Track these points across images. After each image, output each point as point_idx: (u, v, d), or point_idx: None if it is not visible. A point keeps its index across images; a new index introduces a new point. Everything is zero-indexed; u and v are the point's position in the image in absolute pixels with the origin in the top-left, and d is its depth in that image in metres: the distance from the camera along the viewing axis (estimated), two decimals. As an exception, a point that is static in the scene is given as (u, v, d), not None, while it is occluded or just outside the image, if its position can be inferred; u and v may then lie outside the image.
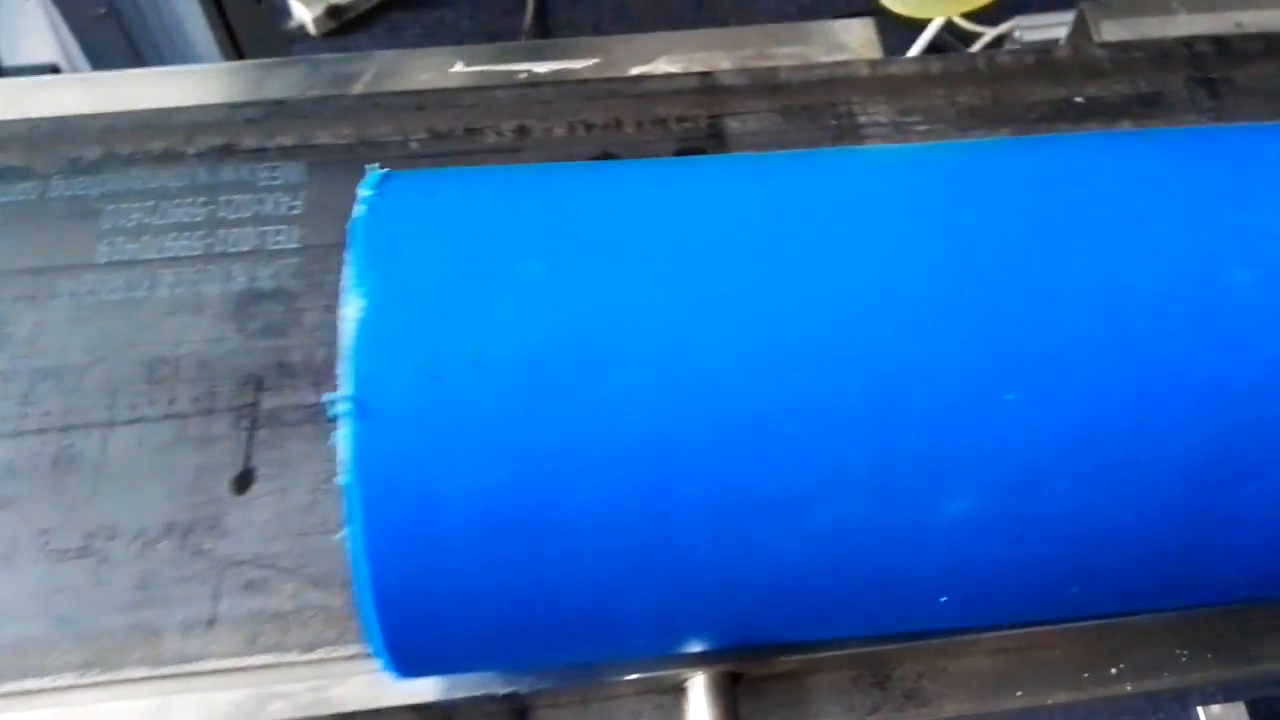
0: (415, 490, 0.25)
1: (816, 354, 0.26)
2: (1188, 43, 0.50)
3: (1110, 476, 0.28)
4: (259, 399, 0.40)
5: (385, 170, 0.29)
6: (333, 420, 0.26)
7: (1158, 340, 0.28)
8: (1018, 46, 1.14)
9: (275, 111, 0.45)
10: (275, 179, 0.44)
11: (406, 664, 0.29)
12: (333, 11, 1.38)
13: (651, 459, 0.26)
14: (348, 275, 0.27)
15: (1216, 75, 0.49)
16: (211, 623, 0.37)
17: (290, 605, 0.38)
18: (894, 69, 0.48)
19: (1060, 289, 0.27)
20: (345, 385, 0.26)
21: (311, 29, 1.37)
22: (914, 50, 1.21)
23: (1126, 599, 0.32)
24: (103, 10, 0.82)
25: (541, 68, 0.49)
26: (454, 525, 0.26)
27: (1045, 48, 0.50)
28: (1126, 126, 0.47)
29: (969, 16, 1.19)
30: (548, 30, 1.40)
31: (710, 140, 0.46)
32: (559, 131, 0.46)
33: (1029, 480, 0.27)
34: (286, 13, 1.38)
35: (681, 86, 0.47)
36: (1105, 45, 0.50)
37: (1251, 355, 0.28)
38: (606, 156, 0.45)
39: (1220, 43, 0.50)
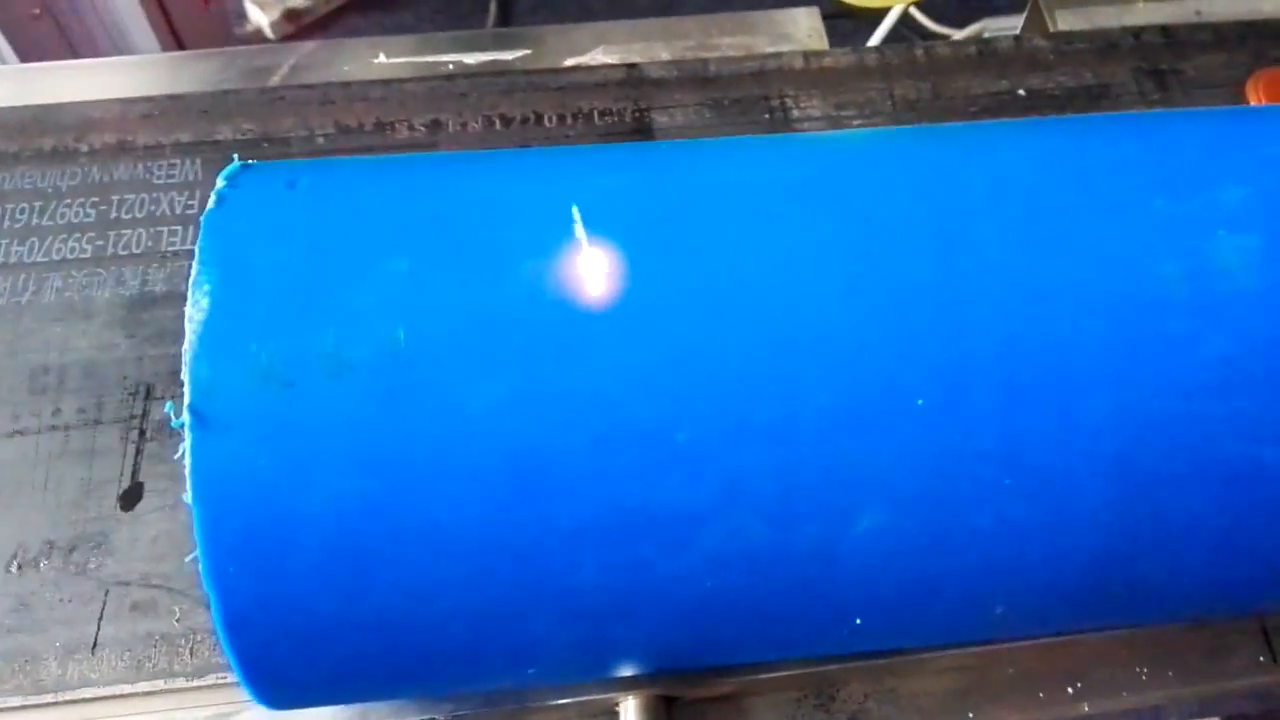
0: (264, 508, 0.23)
1: (702, 360, 0.24)
2: (1135, 33, 0.48)
3: (1031, 487, 0.26)
4: (149, 409, 0.38)
5: (244, 161, 0.27)
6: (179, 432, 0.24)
7: (1079, 338, 0.25)
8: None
9: (172, 106, 0.43)
10: (172, 177, 0.42)
11: (272, 694, 0.26)
12: (290, 15, 1.36)
13: (525, 473, 0.23)
14: (193, 273, 0.24)
15: (1164, 66, 0.48)
16: (95, 647, 0.35)
17: (179, 628, 0.35)
18: (829, 61, 0.46)
19: (972, 285, 0.25)
20: (187, 394, 0.23)
21: (268, 33, 1.35)
22: (871, 44, 1.20)
23: (1059, 618, 0.30)
24: (37, 11, 0.79)
25: (471, 59, 0.47)
26: (308, 545, 0.23)
27: (988, 39, 0.48)
28: (1070, 119, 0.45)
29: (935, 17, 1.17)
30: (509, 21, 1.38)
31: (635, 135, 0.44)
32: (475, 126, 0.43)
33: (944, 492, 0.25)
34: (242, 15, 1.35)
35: (606, 78, 0.45)
36: (1050, 36, 0.48)
37: (1182, 353, 0.26)
38: (525, 152, 0.43)
39: (1168, 33, 0.48)
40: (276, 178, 0.26)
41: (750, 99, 0.45)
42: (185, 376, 0.24)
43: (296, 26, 1.38)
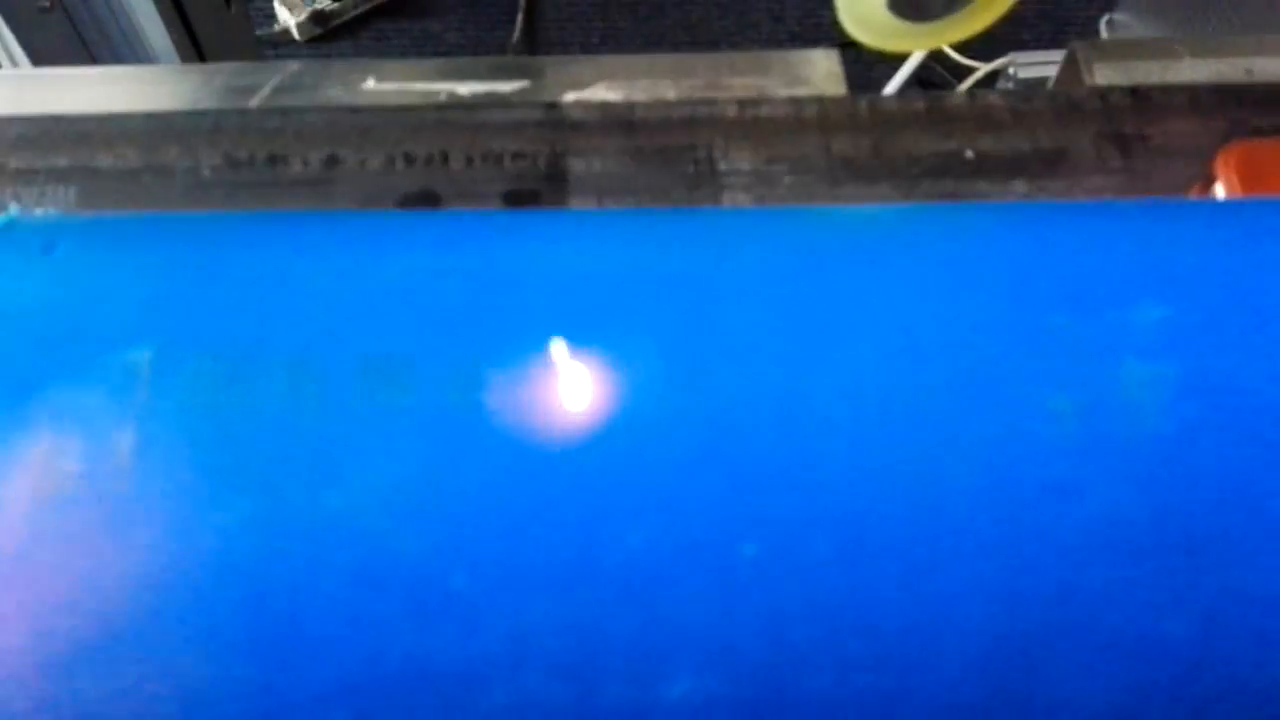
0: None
1: (482, 490, 0.21)
2: (1102, 93, 0.45)
3: (881, 653, 0.22)
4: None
5: (10, 215, 0.23)
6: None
7: (945, 481, 0.22)
8: (1010, 85, 1.09)
9: (52, 128, 0.40)
10: (42, 207, 0.39)
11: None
12: (317, 18, 1.35)
13: (264, 618, 0.20)
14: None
15: (1130, 131, 0.44)
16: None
17: None
18: (766, 110, 0.43)
19: (815, 409, 0.22)
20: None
21: (295, 34, 1.34)
22: (891, 86, 1.17)
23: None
24: (46, 4, 0.77)
25: (465, 89, 0.44)
26: None
27: (939, 96, 0.45)
28: (1020, 187, 0.42)
29: (962, 50, 1.14)
30: (535, 46, 1.39)
31: (548, 181, 0.40)
32: (375, 163, 0.40)
33: (775, 656, 0.22)
34: (271, 16, 1.34)
35: (523, 119, 0.42)
36: (1007, 93, 0.44)
37: (1067, 505, 0.23)
38: (427, 196, 0.40)
39: (1138, 94, 0.45)
40: (35, 239, 0.23)
41: (675, 148, 0.41)
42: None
43: (324, 29, 1.37)
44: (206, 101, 0.44)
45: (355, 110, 0.41)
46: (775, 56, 0.48)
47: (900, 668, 0.23)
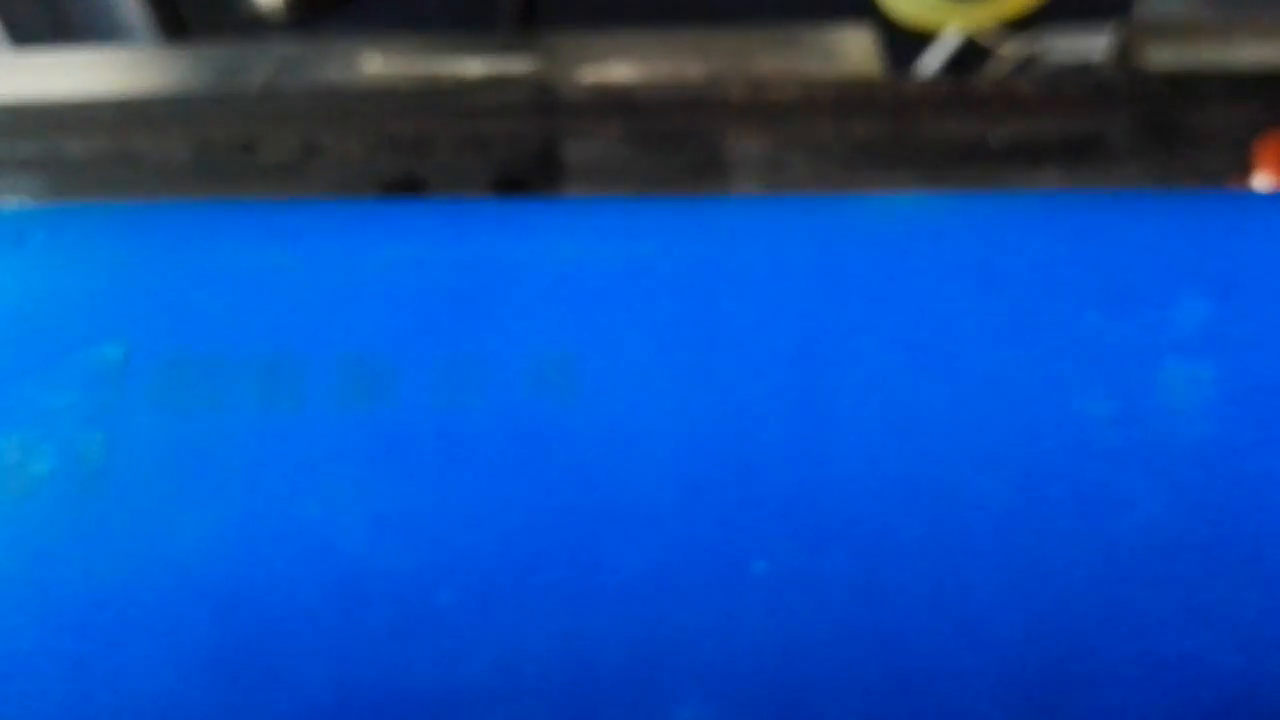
0: None
1: (467, 505, 0.19)
2: (1138, 78, 0.42)
3: (903, 679, 0.20)
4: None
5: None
6: None
7: (972, 493, 0.20)
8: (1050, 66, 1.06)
9: (18, 114, 0.38)
10: (9, 198, 0.37)
11: None
12: None
13: (238, 635, 0.18)
14: None
15: (1167, 119, 0.41)
16: None
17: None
18: (776, 93, 0.40)
19: (834, 415, 0.20)
20: None
21: (280, 14, 1.32)
22: (927, 67, 1.14)
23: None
24: None
25: (476, 66, 0.42)
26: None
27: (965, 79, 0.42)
28: (1050, 175, 0.39)
29: (995, 32, 1.12)
30: (532, 23, 1.35)
31: (540, 169, 0.38)
32: (357, 149, 0.38)
33: (787, 683, 0.19)
34: None
35: (515, 101, 0.39)
36: (1036, 76, 0.42)
37: (1104, 519, 0.20)
38: (411, 183, 0.37)
39: (1175, 81, 0.42)
40: (6, 230, 0.21)
41: (679, 133, 0.39)
42: None
43: (307, 8, 1.35)
44: (188, 84, 0.41)
45: (335, 92, 0.38)
46: (807, 33, 0.45)
47: (923, 695, 0.20)
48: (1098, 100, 0.41)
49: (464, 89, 0.39)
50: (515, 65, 0.42)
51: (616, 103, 0.39)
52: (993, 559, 0.20)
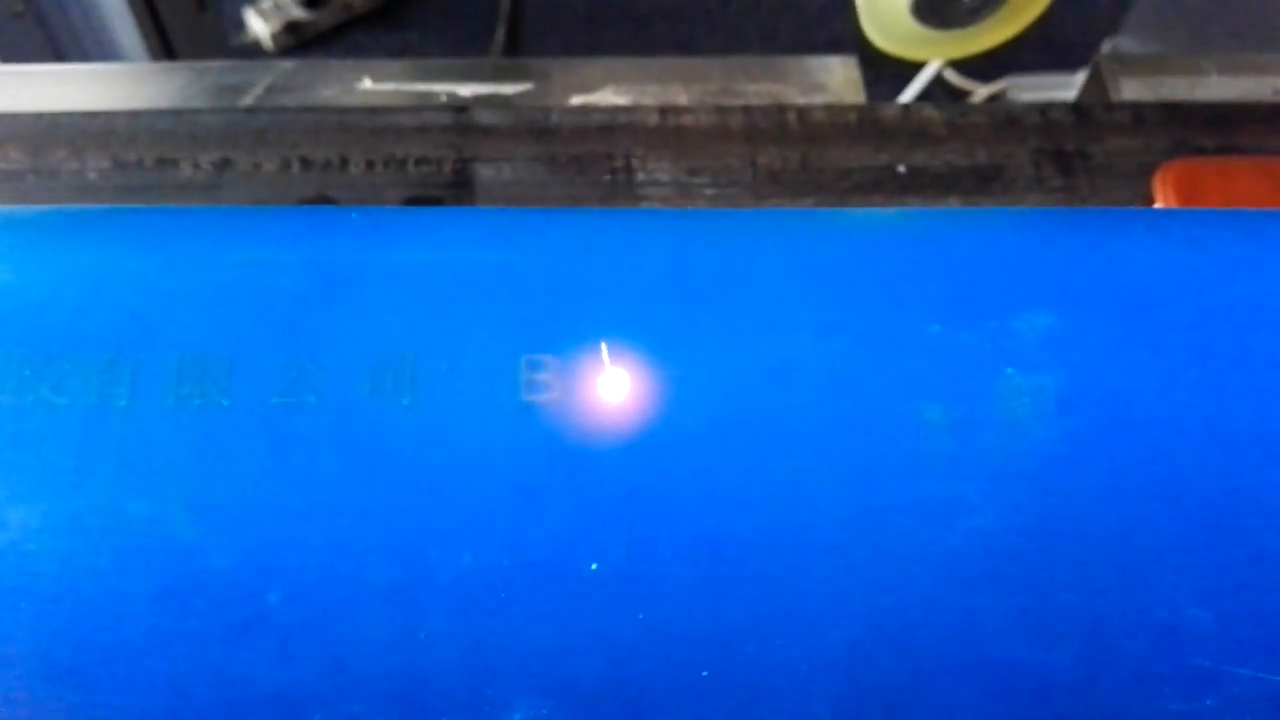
0: None
1: (297, 505, 0.19)
2: (1043, 109, 0.43)
3: (737, 679, 0.20)
4: None
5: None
6: None
7: (803, 495, 0.20)
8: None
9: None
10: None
11: None
12: (292, 28, 1.32)
13: (65, 634, 0.18)
14: None
15: (1071, 148, 0.42)
16: None
17: None
18: (688, 120, 0.41)
19: (665, 417, 0.20)
20: None
21: (268, 45, 1.31)
22: (904, 99, 1.15)
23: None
24: (20, 8, 0.75)
25: (467, 90, 0.42)
26: None
27: (873, 107, 0.43)
28: (953, 204, 0.40)
29: (961, 72, 1.12)
30: (518, 50, 1.35)
31: (454, 189, 0.38)
32: (269, 167, 0.38)
33: (619, 683, 0.20)
34: (241, 25, 1.31)
35: (430, 122, 0.40)
36: (942, 107, 0.43)
37: (936, 524, 0.20)
38: (323, 201, 0.38)
39: (1081, 111, 0.43)
40: None
41: (591, 156, 0.40)
42: None
43: (298, 40, 1.35)
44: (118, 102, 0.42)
45: (251, 111, 0.39)
46: (792, 62, 0.46)
47: (756, 695, 0.20)
48: (1002, 131, 0.42)
49: (378, 111, 0.39)
50: (516, 89, 0.43)
51: (531, 126, 0.40)
52: (828, 561, 0.20)
